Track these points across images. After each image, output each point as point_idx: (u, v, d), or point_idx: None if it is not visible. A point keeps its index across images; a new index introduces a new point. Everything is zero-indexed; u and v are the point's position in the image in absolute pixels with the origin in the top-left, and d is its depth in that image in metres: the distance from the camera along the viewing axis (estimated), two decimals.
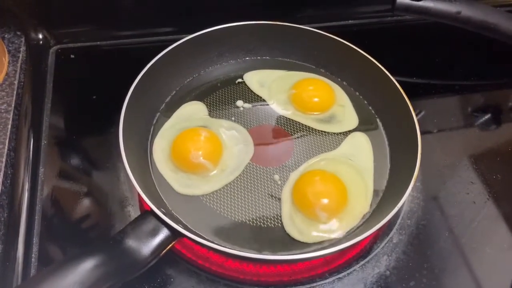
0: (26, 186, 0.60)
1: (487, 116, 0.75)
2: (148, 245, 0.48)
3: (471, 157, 0.68)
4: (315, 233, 0.56)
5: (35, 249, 0.55)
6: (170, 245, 0.49)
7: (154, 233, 0.48)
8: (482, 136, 0.73)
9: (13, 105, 0.64)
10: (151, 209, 0.49)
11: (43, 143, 0.65)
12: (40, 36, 0.77)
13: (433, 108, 0.75)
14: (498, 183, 0.65)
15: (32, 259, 0.54)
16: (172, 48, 0.66)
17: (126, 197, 0.60)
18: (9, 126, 0.62)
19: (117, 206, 0.60)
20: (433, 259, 0.57)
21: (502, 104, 0.79)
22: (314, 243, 0.55)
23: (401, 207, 0.60)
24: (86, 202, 0.60)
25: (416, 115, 0.72)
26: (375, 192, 0.60)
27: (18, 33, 0.73)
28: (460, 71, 0.80)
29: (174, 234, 0.49)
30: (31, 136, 0.65)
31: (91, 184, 0.63)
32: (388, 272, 0.56)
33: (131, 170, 0.53)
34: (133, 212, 0.59)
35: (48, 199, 0.60)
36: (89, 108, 0.70)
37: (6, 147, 0.59)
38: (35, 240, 0.56)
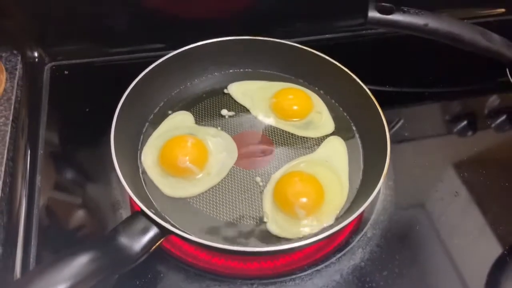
0: (24, 193, 0.64)
1: (459, 122, 0.80)
2: (138, 241, 0.51)
3: (441, 158, 0.73)
4: (295, 229, 0.59)
5: (33, 250, 0.58)
6: (159, 242, 0.53)
7: (144, 231, 0.52)
8: (454, 140, 0.78)
9: (10, 119, 0.68)
10: (141, 209, 0.53)
11: (39, 153, 0.68)
12: (36, 54, 0.80)
13: (406, 115, 0.79)
14: (465, 181, 0.70)
15: (31, 259, 0.58)
16: (159, 62, 0.69)
17: (118, 200, 0.64)
18: (7, 138, 0.65)
19: (109, 209, 0.63)
20: (404, 251, 0.62)
21: (472, 110, 0.83)
22: (294, 238, 0.59)
23: (375, 204, 0.65)
24: (80, 207, 0.64)
25: (396, 123, 0.77)
26: (350, 190, 0.64)
27: (15, 52, 0.77)
28: (430, 78, 0.85)
29: (163, 231, 0.53)
30: (28, 147, 0.69)
31: (85, 190, 0.66)
32: (363, 264, 0.60)
33: (122, 175, 0.56)
34: (125, 214, 0.63)
35: (45, 205, 0.63)
36: (82, 120, 0.74)
37: (5, 157, 0.63)
38: (33, 242, 0.59)
